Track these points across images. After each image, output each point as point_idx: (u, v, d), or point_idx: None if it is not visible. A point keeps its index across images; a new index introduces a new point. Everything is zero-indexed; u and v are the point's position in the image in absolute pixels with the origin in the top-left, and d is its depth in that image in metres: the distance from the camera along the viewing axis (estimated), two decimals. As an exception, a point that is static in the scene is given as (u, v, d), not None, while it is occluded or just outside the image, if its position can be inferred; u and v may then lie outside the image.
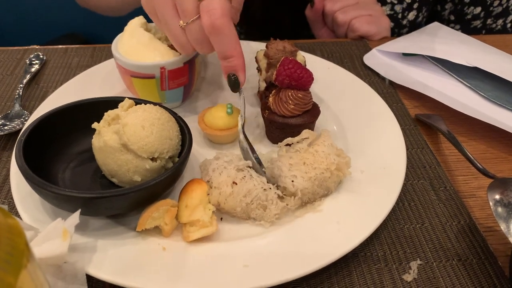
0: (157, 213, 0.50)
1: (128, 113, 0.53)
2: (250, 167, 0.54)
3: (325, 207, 0.54)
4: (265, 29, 1.03)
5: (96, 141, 0.53)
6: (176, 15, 0.56)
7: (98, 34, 1.68)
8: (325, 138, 0.56)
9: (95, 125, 0.53)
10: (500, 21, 1.05)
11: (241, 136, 0.58)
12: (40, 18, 1.65)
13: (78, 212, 0.46)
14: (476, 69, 0.78)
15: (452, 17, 1.05)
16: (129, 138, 0.51)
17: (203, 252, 0.49)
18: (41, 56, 0.85)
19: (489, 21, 1.04)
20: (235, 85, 0.57)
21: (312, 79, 0.60)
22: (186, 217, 0.50)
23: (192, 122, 0.61)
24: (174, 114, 0.58)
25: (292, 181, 0.52)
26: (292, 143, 0.57)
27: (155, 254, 0.49)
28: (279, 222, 0.53)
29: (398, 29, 1.03)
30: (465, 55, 0.80)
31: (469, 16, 1.03)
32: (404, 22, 1.01)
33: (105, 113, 0.54)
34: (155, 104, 0.57)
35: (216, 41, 0.54)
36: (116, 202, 0.49)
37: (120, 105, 0.55)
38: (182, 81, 0.67)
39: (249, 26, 1.07)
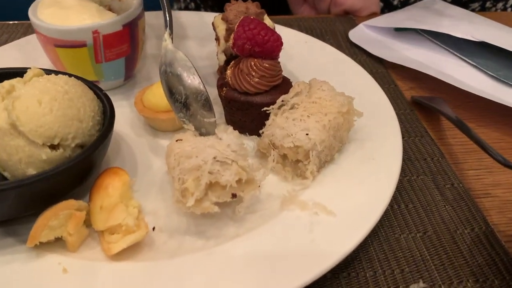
0: (57, 220, 0.38)
1: (27, 84, 0.41)
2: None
3: (295, 208, 0.42)
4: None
5: (-17, 122, 0.41)
6: None
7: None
8: (320, 84, 0.48)
9: (-18, 100, 0.41)
10: (500, 5, 0.98)
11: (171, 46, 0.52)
12: None
13: None
14: (481, 46, 0.69)
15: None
16: (18, 115, 0.39)
17: (124, 274, 0.37)
18: None
19: (488, 4, 0.97)
20: None
21: (281, 43, 0.50)
22: (103, 223, 0.40)
23: (132, 106, 0.51)
24: (95, 89, 0.46)
25: (307, 134, 0.44)
26: (284, 101, 0.49)
27: (52, 278, 0.36)
28: (235, 231, 0.41)
29: (389, 11, 0.93)
30: (469, 29, 0.71)
31: None
32: (395, 2, 0.93)
33: None
34: (70, 75, 0.45)
35: None
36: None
37: (25, 75, 0.44)
38: (122, 51, 0.56)
39: None
